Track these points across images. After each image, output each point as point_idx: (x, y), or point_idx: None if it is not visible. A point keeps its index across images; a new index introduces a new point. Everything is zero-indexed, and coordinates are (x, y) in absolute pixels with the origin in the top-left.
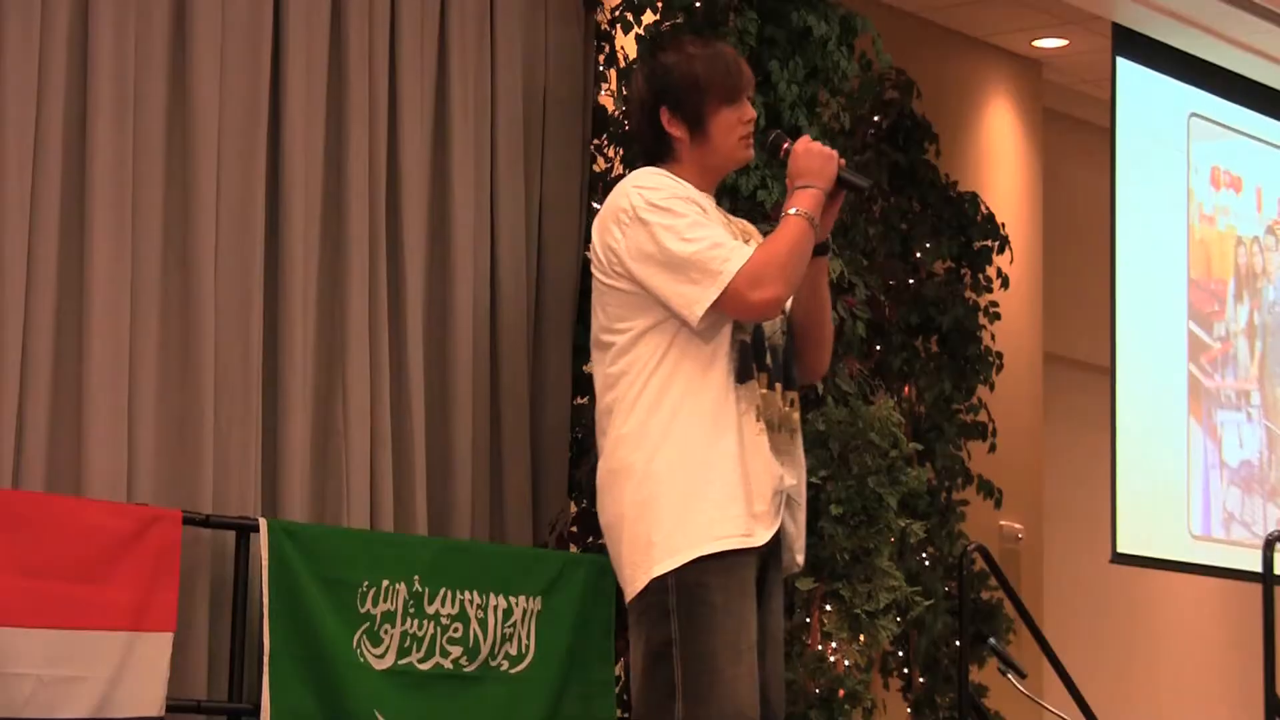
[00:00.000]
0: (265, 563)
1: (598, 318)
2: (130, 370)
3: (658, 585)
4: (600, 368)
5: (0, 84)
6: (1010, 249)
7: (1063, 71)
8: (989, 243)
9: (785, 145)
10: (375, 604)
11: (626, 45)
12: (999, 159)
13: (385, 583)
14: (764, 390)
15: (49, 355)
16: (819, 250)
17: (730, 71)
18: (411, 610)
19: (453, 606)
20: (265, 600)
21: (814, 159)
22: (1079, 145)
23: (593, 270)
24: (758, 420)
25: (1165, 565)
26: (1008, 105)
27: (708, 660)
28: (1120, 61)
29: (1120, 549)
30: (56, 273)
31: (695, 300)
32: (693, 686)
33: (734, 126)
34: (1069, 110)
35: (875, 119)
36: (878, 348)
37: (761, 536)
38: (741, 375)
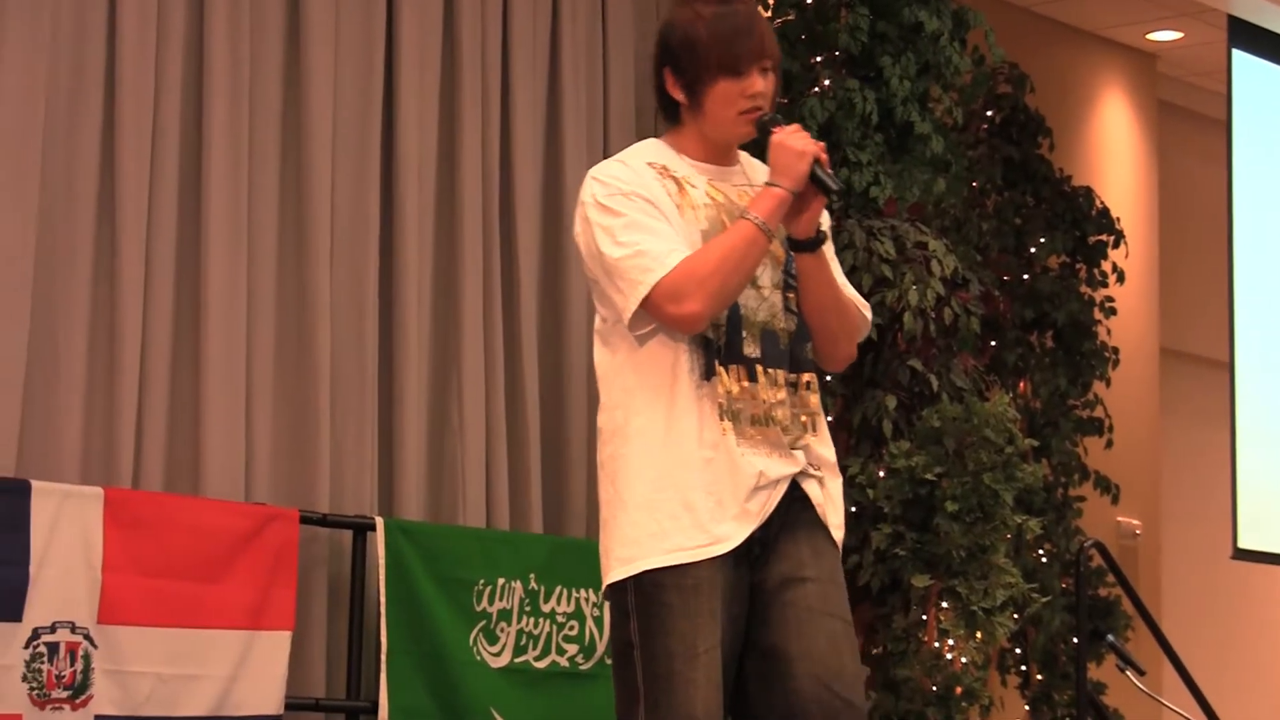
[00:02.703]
0: (382, 561)
1: (597, 307)
2: (247, 370)
3: (618, 586)
4: (594, 357)
5: (118, 89)
6: (1126, 243)
7: (1177, 64)
8: (1104, 237)
9: (774, 131)
10: (491, 602)
11: None
12: (1113, 153)
13: (501, 581)
14: (742, 383)
15: (167, 357)
16: (807, 247)
17: (736, 39)
18: (527, 608)
19: (568, 604)
20: (382, 599)
21: (783, 155)
22: (1195, 138)
23: None
24: (721, 420)
25: None
26: (1122, 99)
27: (664, 662)
28: (1236, 53)
29: (1241, 544)
30: (174, 275)
31: (622, 309)
32: (652, 690)
33: (733, 100)
34: (1184, 103)
35: (988, 114)
36: (992, 344)
37: (730, 541)
38: (706, 373)
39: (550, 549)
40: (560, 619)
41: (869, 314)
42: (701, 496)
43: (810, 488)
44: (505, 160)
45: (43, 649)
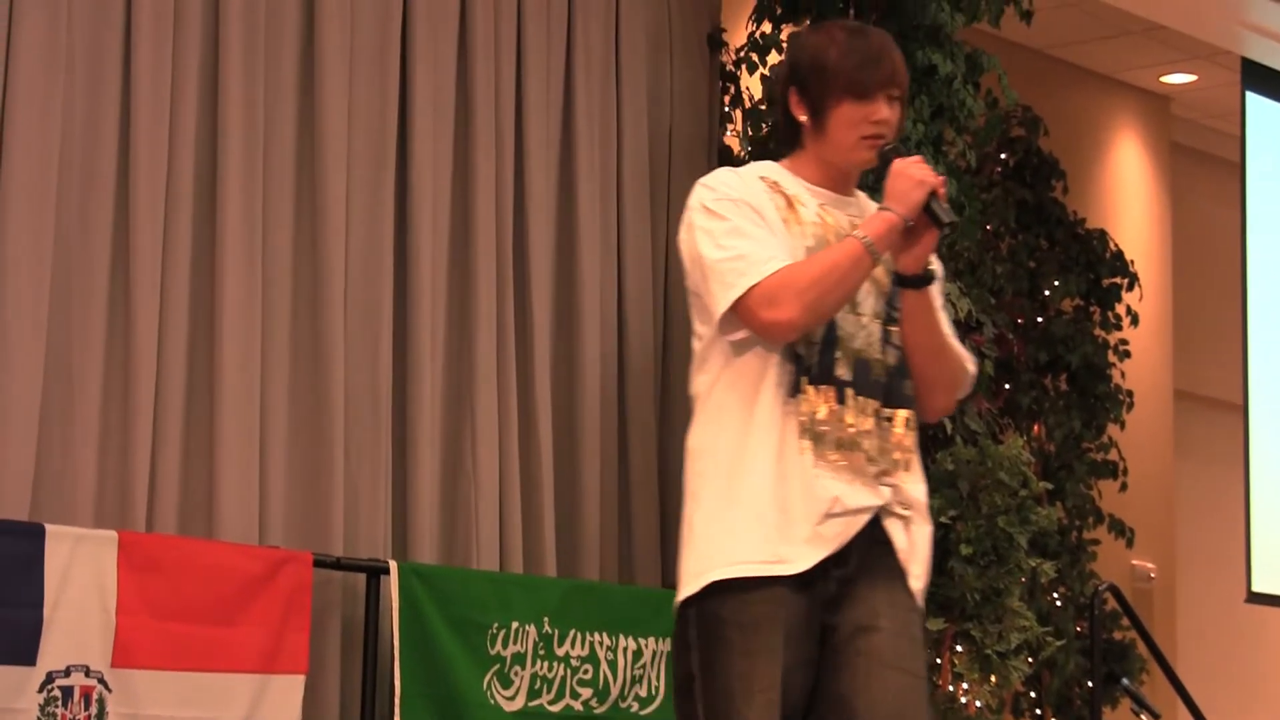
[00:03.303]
0: (396, 605)
1: (694, 324)
2: (261, 414)
3: (681, 614)
4: (690, 379)
5: (133, 122)
6: (1139, 286)
7: (1191, 106)
8: (1118, 280)
9: (894, 162)
10: (505, 646)
11: (751, 86)
12: (1127, 195)
13: (515, 624)
14: (830, 405)
15: (181, 400)
16: (914, 283)
17: (865, 64)
18: (541, 652)
19: (582, 648)
20: (396, 642)
21: (900, 181)
22: (1208, 180)
23: None
24: (802, 439)
25: None
26: (1136, 141)
27: (723, 701)
28: (1249, 96)
29: (1255, 588)
30: (188, 318)
31: (714, 309)
32: None
33: (856, 124)
34: (1198, 145)
35: (1002, 156)
36: (1006, 386)
37: (797, 563)
38: (793, 389)
39: (564, 592)
40: (574, 662)
41: (972, 369)
42: (774, 514)
43: (894, 531)
44: (518, 205)
45: (57, 693)
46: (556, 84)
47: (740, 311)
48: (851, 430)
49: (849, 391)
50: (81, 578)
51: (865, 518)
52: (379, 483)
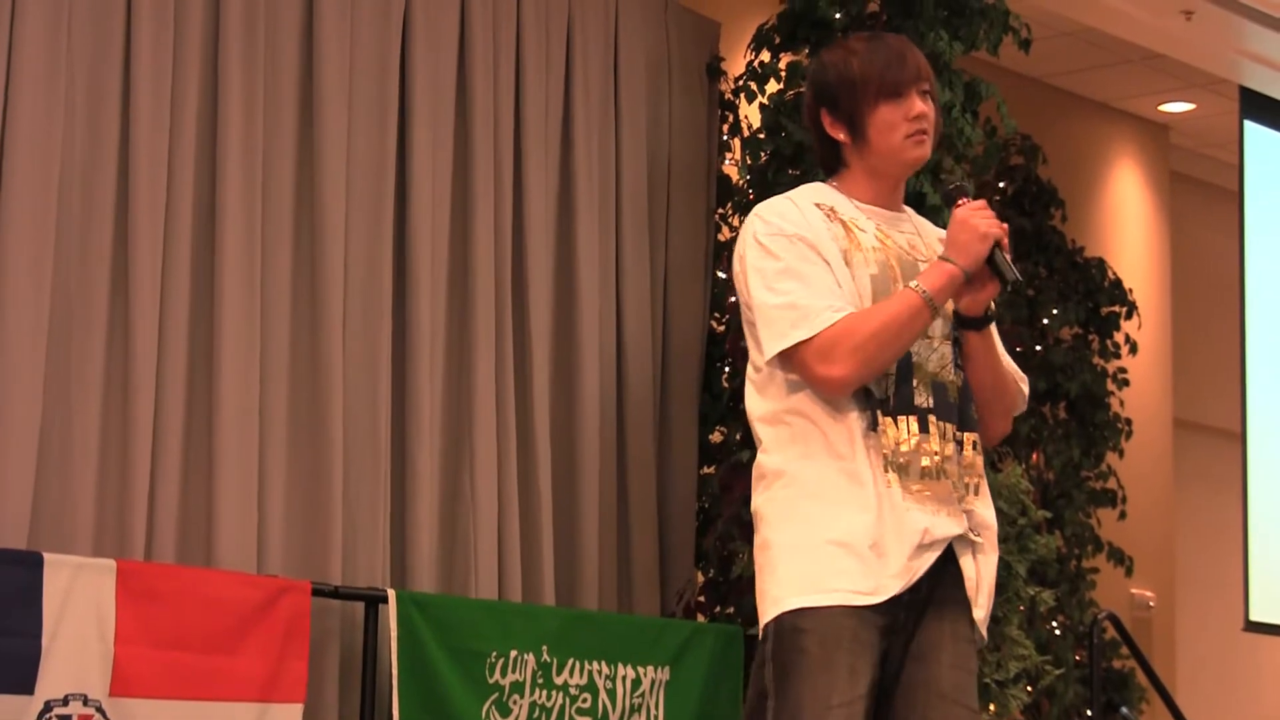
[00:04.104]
0: (394, 633)
1: (750, 351)
2: (260, 442)
3: (762, 633)
4: (748, 403)
5: (132, 164)
6: (1138, 314)
7: (1190, 135)
8: (1117, 308)
9: (960, 202)
10: (504, 674)
11: (750, 115)
12: (1126, 223)
13: (514, 653)
14: (914, 434)
15: (180, 429)
16: (973, 325)
17: (891, 64)
18: (540, 681)
19: (581, 677)
20: (394, 671)
21: (964, 232)
22: (1207, 209)
23: None
24: (887, 472)
25: None
26: (1134, 169)
27: (793, 711)
28: (1248, 124)
29: (1253, 617)
30: (187, 347)
31: (760, 354)
32: None
33: (896, 125)
34: (1196, 174)
35: (1001, 185)
36: None
37: (885, 593)
38: (871, 423)
39: (563, 621)
40: (573, 691)
41: (1026, 389)
42: (866, 546)
43: (965, 560)
44: (517, 236)
45: None
46: (555, 111)
47: (795, 362)
48: (936, 458)
49: (931, 418)
50: (80, 607)
51: (943, 547)
52: (377, 512)
